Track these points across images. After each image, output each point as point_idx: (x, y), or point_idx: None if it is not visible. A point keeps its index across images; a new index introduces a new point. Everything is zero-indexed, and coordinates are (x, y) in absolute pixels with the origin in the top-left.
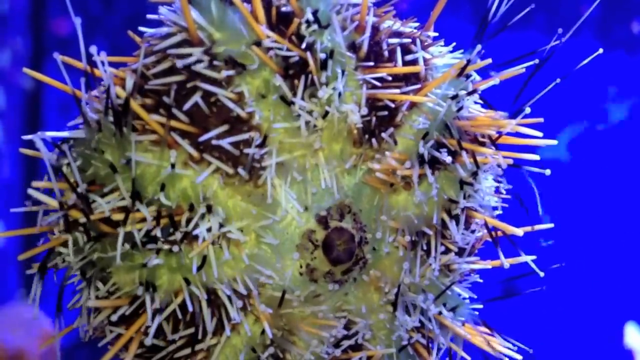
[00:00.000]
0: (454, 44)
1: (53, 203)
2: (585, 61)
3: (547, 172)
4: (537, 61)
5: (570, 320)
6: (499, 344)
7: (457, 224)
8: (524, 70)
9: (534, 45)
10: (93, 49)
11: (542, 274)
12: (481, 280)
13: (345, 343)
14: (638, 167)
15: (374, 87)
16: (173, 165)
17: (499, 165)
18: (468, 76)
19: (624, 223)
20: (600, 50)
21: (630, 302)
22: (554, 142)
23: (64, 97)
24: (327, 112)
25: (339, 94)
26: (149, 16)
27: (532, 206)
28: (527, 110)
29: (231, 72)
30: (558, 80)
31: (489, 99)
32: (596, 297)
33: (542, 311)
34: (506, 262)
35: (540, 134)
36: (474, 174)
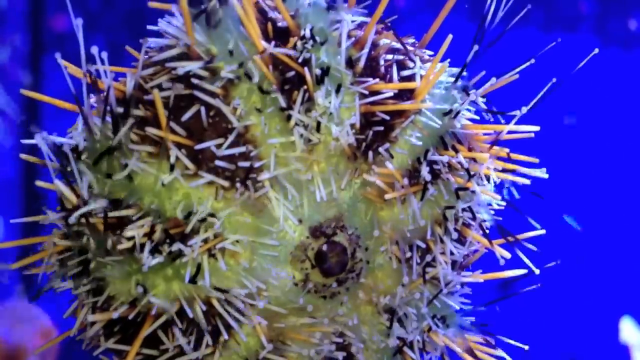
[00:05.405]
0: (449, 60)
1: (73, 199)
2: (582, 63)
3: (545, 175)
4: (533, 61)
5: (565, 316)
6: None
7: (451, 235)
8: (517, 76)
9: (532, 42)
10: (94, 50)
11: (537, 271)
12: (470, 292)
13: (338, 354)
14: (632, 162)
15: (372, 101)
16: (172, 167)
17: (495, 183)
18: (465, 84)
19: (619, 218)
20: (596, 50)
21: (625, 297)
22: (545, 175)
23: (62, 94)
24: (319, 124)
25: (335, 109)
26: (149, 27)
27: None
28: (524, 110)
29: (231, 75)
30: (554, 80)
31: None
32: (591, 292)
33: (538, 307)
34: (502, 260)
35: (537, 128)
36: (470, 178)
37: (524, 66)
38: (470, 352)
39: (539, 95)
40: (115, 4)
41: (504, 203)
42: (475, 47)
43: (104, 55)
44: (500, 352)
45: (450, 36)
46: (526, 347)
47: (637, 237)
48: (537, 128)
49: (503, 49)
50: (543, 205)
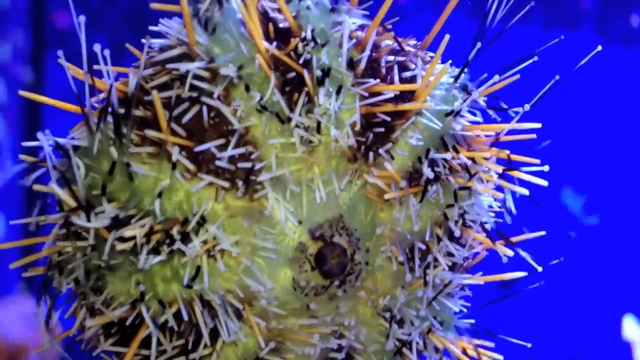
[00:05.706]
0: (450, 61)
1: (70, 201)
2: (584, 60)
3: (544, 182)
4: (536, 59)
5: (569, 314)
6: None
7: (451, 237)
8: (519, 75)
9: (533, 40)
10: (97, 47)
11: (540, 269)
12: (471, 295)
13: (336, 356)
14: (633, 160)
15: (372, 102)
16: (174, 166)
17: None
18: (465, 84)
19: (621, 216)
20: (599, 48)
21: (628, 295)
22: (544, 182)
23: (64, 91)
24: (319, 124)
25: (335, 110)
26: (150, 27)
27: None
28: (526, 107)
29: (233, 73)
30: (557, 77)
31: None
32: (595, 291)
33: (541, 305)
34: (505, 258)
35: (539, 125)
36: (470, 177)
37: (525, 64)
38: (468, 354)
39: (540, 94)
40: (116, 1)
41: (504, 203)
42: (478, 45)
43: (106, 53)
44: (498, 356)
45: (447, 36)
46: (529, 345)
47: None
48: (538, 125)
49: (504, 46)
50: (544, 204)
